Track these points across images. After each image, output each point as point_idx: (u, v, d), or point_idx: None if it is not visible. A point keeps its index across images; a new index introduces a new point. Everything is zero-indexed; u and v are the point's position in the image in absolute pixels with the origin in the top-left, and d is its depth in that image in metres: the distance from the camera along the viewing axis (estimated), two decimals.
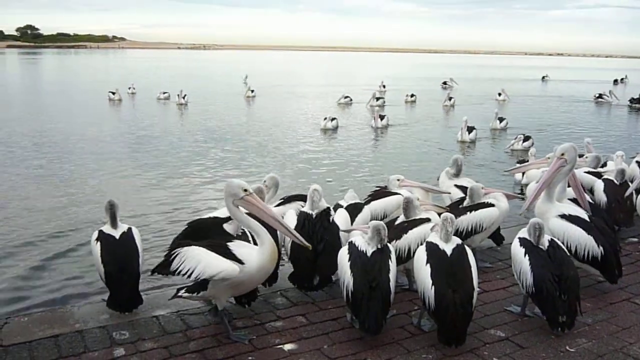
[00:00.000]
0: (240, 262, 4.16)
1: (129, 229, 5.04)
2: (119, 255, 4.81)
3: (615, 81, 50.53)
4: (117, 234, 4.93)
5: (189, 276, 4.18)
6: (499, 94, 32.10)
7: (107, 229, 4.97)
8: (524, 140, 15.66)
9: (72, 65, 77.55)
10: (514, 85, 40.01)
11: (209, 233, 4.71)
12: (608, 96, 32.60)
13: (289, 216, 5.45)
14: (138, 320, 4.66)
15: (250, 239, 4.64)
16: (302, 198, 5.85)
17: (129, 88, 30.12)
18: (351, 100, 28.57)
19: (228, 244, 4.32)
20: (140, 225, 7.07)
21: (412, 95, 30.29)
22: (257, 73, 51.90)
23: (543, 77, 56.39)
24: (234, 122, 20.66)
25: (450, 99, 28.42)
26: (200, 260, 4.15)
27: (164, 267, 4.30)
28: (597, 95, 33.34)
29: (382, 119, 19.62)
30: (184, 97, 26.20)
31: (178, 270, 4.19)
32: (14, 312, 5.81)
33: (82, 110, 24.03)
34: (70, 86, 37.53)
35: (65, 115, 22.53)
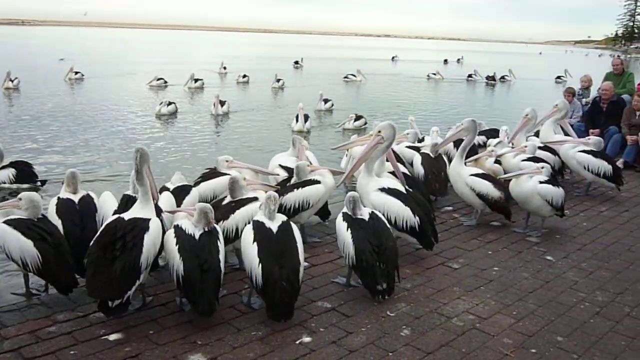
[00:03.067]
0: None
1: None
2: None
3: (445, 61, 54.75)
4: None
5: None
6: (354, 75, 32.51)
7: None
8: (356, 120, 16.16)
9: None
10: (366, 64, 41.11)
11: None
12: (509, 76, 36.71)
13: (106, 197, 5.24)
14: None
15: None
16: None
17: None
18: (165, 82, 26.16)
19: (125, 216, 4.39)
20: None
21: (244, 76, 29.66)
22: (83, 52, 48.44)
23: (393, 57, 59.51)
24: (62, 107, 18.67)
25: (278, 80, 27.51)
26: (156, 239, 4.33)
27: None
28: (489, 75, 36.17)
29: (222, 105, 18.44)
30: (12, 81, 22.47)
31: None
32: None
33: None
34: None
35: None
